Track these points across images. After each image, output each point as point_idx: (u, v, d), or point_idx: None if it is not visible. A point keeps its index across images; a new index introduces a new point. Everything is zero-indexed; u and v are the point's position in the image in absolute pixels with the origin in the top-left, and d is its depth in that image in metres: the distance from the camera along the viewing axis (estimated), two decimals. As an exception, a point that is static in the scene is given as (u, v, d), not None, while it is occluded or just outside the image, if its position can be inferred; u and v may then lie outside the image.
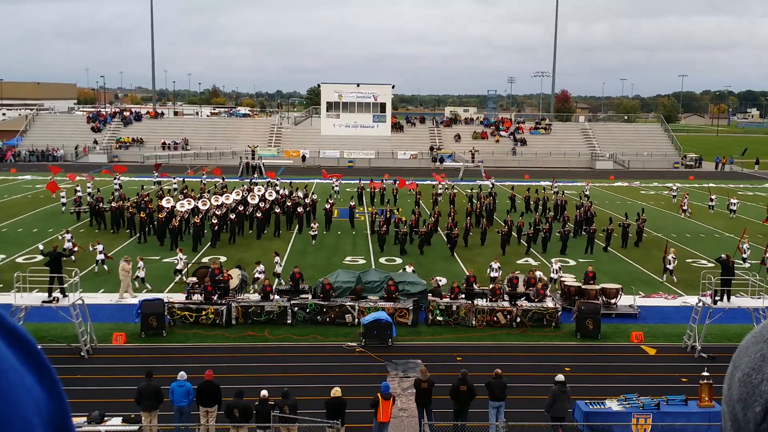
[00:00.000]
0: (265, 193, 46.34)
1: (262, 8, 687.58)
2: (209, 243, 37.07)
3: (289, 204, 44.14)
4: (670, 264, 31.69)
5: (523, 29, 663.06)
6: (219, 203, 41.91)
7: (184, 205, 40.46)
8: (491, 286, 27.08)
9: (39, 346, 1.14)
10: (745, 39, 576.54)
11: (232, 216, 39.75)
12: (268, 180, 54.12)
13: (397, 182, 52.80)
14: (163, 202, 40.79)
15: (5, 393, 1.01)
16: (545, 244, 37.45)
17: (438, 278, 28.52)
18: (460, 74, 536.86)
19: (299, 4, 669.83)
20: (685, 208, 48.59)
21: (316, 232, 38.61)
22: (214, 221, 38.11)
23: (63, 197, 46.49)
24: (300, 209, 42.82)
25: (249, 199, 44.37)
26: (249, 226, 41.41)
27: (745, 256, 33.94)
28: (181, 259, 30.90)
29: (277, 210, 42.37)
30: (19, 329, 1.12)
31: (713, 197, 51.05)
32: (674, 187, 57.58)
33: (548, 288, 27.34)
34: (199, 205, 40.98)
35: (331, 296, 25.79)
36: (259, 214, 40.66)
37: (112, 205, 41.21)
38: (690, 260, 35.28)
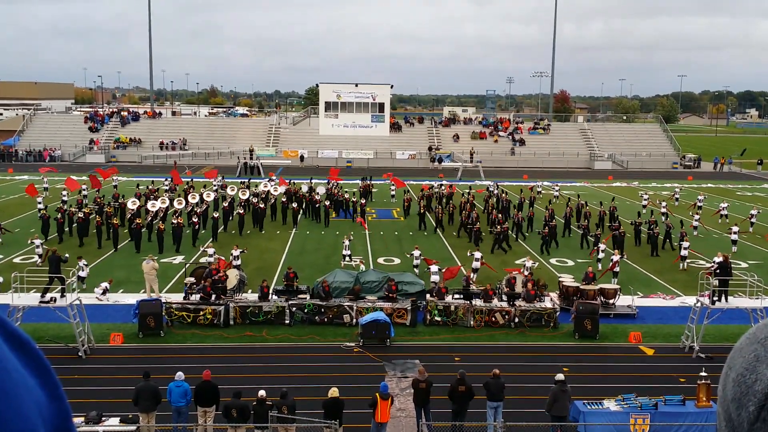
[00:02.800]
0: (269, 189, 46.72)
1: (259, 8, 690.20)
2: (208, 242, 36.97)
3: (283, 200, 44.57)
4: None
5: (518, 29, 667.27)
6: (197, 200, 41.95)
7: (156, 205, 39.77)
8: (479, 287, 27.09)
9: (40, 350, 1.15)
10: (744, 40, 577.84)
11: (215, 214, 39.85)
12: (268, 178, 54.35)
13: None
14: (129, 204, 40.01)
15: (8, 392, 1.02)
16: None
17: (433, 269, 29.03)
18: (459, 74, 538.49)
19: (295, 3, 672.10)
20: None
21: (349, 252, 33.76)
22: (195, 220, 37.98)
23: (40, 203, 44.27)
24: (295, 205, 43.32)
25: (240, 194, 44.61)
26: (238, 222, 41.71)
27: (600, 256, 33.94)
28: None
29: (262, 205, 42.69)
30: (21, 333, 1.14)
31: (701, 197, 51.51)
32: (677, 189, 57.82)
33: (546, 288, 27.37)
34: (175, 204, 40.71)
35: (331, 297, 25.82)
36: (241, 211, 40.96)
37: (79, 216, 37.41)
38: (688, 260, 35.28)
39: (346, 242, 34.01)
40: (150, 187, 48.48)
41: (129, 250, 35.81)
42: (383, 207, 50.94)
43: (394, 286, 25.95)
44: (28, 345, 1.13)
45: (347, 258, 33.24)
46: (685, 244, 34.31)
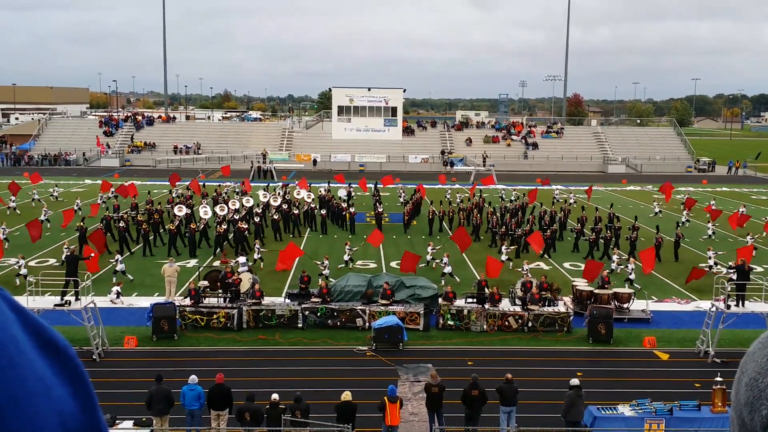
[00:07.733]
0: (303, 196, 47.03)
1: (268, 15, 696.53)
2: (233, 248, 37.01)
3: (312, 206, 44.88)
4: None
5: (525, 34, 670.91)
6: (236, 207, 42.21)
7: (208, 213, 40.25)
8: (478, 291, 26.91)
9: (80, 360, 1.13)
10: (759, 43, 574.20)
11: (256, 219, 40.07)
12: (285, 183, 54.50)
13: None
14: (176, 210, 40.61)
15: (19, 401, 0.99)
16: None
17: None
18: (471, 78, 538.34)
19: (304, 10, 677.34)
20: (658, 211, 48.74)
21: (349, 256, 34.21)
22: (245, 225, 37.85)
23: (46, 211, 43.43)
24: (324, 211, 44.00)
25: (272, 201, 44.73)
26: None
27: (613, 266, 33.28)
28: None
29: (296, 211, 43.08)
30: (61, 341, 1.11)
31: (712, 202, 51.28)
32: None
33: (559, 292, 27.24)
34: (217, 210, 40.97)
35: (327, 299, 25.76)
36: (276, 216, 41.43)
37: (80, 223, 35.97)
38: (703, 264, 35.02)
39: (351, 248, 34.68)
40: (185, 193, 49.60)
41: (139, 253, 36.03)
42: (396, 211, 50.90)
43: (389, 291, 25.99)
44: (66, 353, 1.11)
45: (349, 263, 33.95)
46: (710, 253, 34.10)
